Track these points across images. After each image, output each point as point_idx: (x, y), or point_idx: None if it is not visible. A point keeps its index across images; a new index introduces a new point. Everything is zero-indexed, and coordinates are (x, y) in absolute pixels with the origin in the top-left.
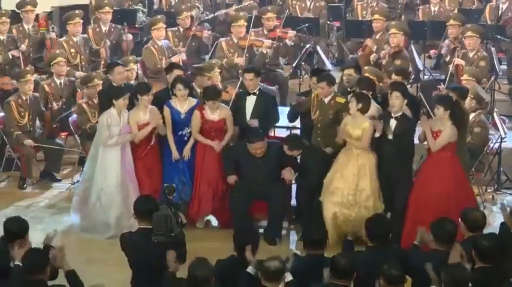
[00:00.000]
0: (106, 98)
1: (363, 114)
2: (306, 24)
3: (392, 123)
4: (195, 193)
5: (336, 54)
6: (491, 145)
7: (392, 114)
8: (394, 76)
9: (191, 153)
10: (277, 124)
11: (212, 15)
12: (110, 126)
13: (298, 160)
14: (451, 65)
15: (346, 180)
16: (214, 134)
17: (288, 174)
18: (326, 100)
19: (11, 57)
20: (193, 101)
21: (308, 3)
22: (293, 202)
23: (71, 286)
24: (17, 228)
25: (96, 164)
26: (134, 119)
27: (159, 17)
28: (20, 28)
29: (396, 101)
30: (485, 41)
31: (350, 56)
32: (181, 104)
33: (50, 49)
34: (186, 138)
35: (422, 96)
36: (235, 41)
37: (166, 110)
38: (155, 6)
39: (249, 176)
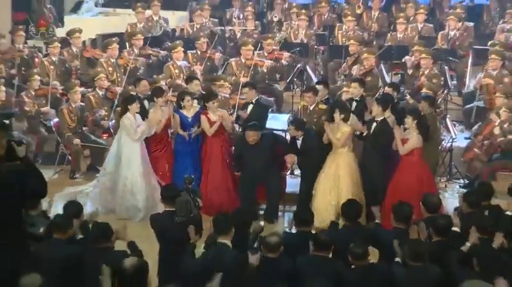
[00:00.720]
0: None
1: (345, 122)
2: (298, 48)
3: (374, 125)
4: (202, 189)
5: (321, 72)
6: (444, 144)
7: (375, 118)
8: (386, 88)
9: (197, 154)
10: (274, 127)
11: (221, 28)
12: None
13: (299, 144)
14: (417, 80)
15: (332, 175)
16: (219, 137)
17: (290, 158)
18: (311, 107)
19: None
20: (196, 107)
21: (300, 31)
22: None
23: (132, 253)
24: (75, 210)
25: (121, 159)
26: (155, 116)
27: (177, 42)
28: (70, 51)
29: (373, 108)
30: (439, 62)
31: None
32: (188, 111)
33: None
34: (192, 135)
35: None
36: (243, 61)
37: (176, 116)
38: (176, 34)
39: (250, 164)
